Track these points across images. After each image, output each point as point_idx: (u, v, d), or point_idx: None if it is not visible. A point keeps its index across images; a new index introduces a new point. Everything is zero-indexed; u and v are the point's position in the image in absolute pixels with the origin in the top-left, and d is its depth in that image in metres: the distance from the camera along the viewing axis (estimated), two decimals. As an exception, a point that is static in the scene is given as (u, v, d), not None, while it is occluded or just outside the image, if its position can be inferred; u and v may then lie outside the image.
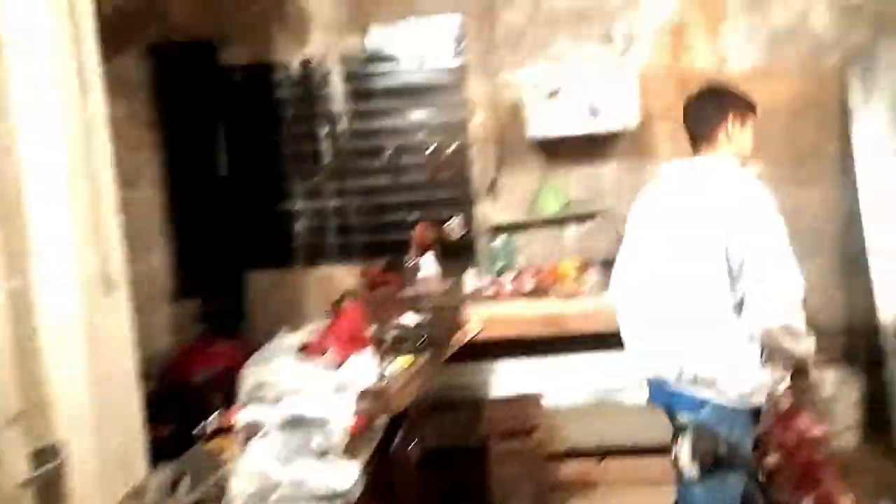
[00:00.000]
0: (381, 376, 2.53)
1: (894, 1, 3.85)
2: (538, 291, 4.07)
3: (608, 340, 3.77)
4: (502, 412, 3.53)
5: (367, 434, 2.26)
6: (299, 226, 4.41)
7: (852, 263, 3.83)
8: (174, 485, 2.07)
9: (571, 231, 4.27)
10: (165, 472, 2.15)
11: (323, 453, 2.12)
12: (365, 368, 2.51)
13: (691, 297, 2.24)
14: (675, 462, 2.04)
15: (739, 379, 2.20)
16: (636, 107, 3.93)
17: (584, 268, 4.13)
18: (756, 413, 2.29)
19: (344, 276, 4.36)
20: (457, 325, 3.59)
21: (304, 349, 2.67)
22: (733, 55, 4.10)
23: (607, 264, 4.08)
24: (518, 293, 4.09)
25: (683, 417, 2.25)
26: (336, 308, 3.51)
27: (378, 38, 4.32)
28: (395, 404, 2.43)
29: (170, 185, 4.37)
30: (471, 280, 4.19)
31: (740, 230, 2.16)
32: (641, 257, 2.45)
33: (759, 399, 2.24)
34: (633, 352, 2.48)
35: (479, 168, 4.29)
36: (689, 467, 2.01)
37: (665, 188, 2.42)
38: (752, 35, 4.08)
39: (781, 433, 3.35)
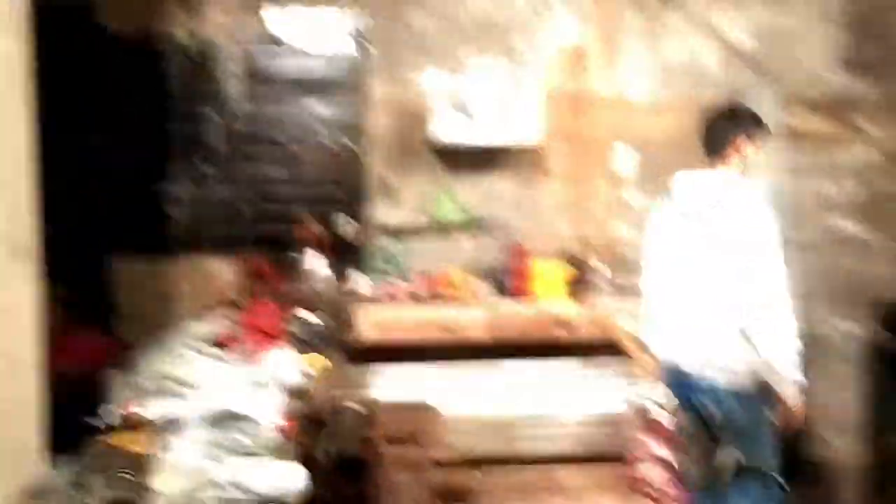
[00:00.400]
0: (304, 374, 2.39)
1: (775, 49, 4.16)
2: (428, 297, 4.04)
3: (496, 350, 3.87)
4: (392, 418, 3.45)
5: (296, 435, 2.12)
6: (177, 211, 4.12)
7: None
8: (81, 482, 1.83)
9: (464, 240, 4.27)
10: (69, 468, 1.91)
11: (253, 453, 1.96)
12: (286, 365, 2.36)
13: (704, 295, 2.51)
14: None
15: (748, 361, 2.42)
16: (537, 124, 4.01)
17: (474, 276, 4.15)
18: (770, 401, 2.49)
19: (223, 268, 4.13)
20: (352, 327, 3.49)
21: (217, 341, 2.48)
22: (628, 85, 4.28)
23: (495, 274, 4.17)
24: (407, 298, 4.04)
25: (706, 406, 2.47)
26: (230, 302, 3.30)
27: (278, 22, 4.13)
28: (318, 404, 2.30)
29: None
30: (359, 282, 4.08)
31: (747, 241, 2.42)
32: (663, 260, 2.70)
33: (770, 378, 2.43)
34: (657, 339, 2.73)
35: (375, 169, 4.21)
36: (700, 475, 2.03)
37: (683, 198, 2.65)
38: (646, 67, 4.28)
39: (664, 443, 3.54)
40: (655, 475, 3.59)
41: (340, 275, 4.03)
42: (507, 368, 3.94)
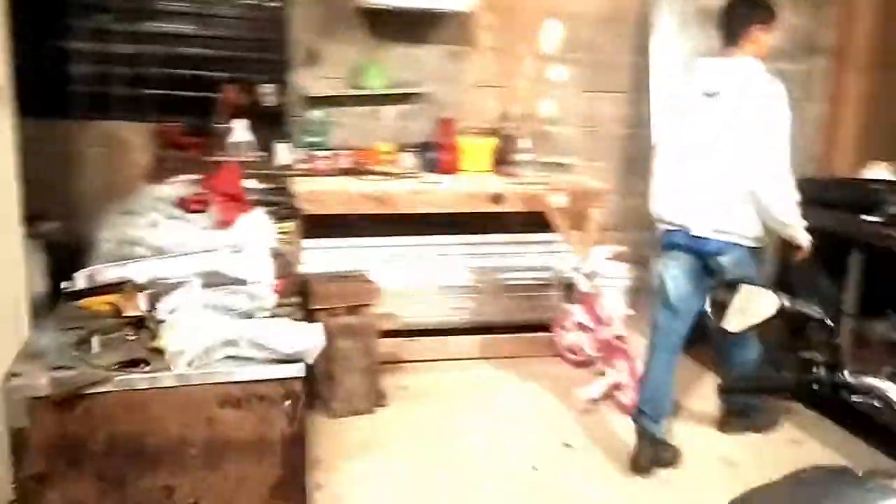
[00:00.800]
0: (280, 239, 2.31)
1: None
2: (355, 170, 3.96)
3: (424, 223, 3.87)
4: (334, 288, 3.41)
5: (288, 297, 2.07)
6: (79, 70, 3.75)
7: (634, 165, 4.28)
8: (81, 344, 1.72)
9: (390, 111, 4.17)
10: (62, 331, 1.79)
11: (251, 314, 1.90)
12: (260, 229, 2.27)
13: (718, 165, 2.73)
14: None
15: (757, 219, 2.74)
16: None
17: (400, 149, 4.08)
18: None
19: (131, 134, 3.83)
20: (292, 196, 3.37)
21: (182, 205, 2.33)
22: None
23: (422, 148, 4.12)
24: (334, 170, 3.94)
25: (723, 260, 2.74)
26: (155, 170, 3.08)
27: None
28: (296, 268, 2.24)
29: None
30: (283, 152, 3.92)
31: (760, 118, 2.66)
32: (680, 135, 2.85)
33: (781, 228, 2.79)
34: (668, 207, 2.86)
35: (300, 32, 3.97)
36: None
37: (701, 79, 2.82)
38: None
39: (587, 311, 3.72)
40: (579, 341, 3.80)
41: (263, 145, 3.85)
42: (434, 241, 3.96)
